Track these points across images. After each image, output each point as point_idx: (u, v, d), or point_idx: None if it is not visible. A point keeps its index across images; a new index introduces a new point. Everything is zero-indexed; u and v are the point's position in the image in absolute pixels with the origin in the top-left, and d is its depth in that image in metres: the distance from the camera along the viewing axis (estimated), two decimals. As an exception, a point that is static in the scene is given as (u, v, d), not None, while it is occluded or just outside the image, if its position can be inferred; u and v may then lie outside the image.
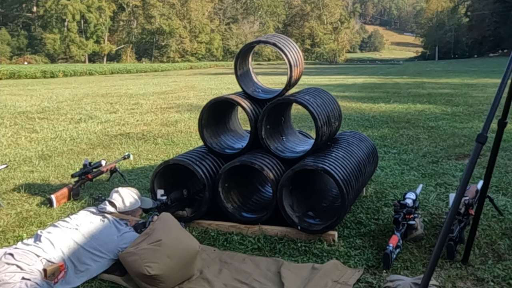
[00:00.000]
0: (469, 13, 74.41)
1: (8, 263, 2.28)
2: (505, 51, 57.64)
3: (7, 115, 9.86)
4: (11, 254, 2.32)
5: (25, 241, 2.51)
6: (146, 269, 2.36)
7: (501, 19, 62.37)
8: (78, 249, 2.52)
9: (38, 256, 2.37)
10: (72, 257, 2.49)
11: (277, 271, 2.62)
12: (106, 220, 2.74)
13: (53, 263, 2.39)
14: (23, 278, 2.23)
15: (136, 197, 2.96)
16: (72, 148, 6.28)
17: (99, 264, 2.57)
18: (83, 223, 2.66)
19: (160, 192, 3.17)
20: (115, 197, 2.89)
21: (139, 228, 2.87)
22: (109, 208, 2.82)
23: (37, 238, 2.51)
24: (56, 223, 2.67)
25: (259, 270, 2.66)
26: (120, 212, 2.84)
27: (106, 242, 2.62)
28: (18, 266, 2.27)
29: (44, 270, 2.31)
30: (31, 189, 4.35)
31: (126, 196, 2.90)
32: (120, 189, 2.95)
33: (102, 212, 2.78)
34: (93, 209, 2.84)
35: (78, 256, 2.51)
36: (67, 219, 2.71)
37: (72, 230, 2.59)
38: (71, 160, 5.54)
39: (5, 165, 4.31)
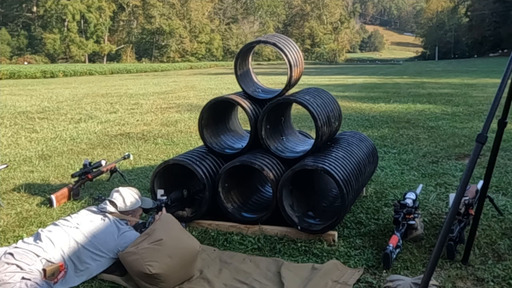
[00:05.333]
0: (469, 13, 74.39)
1: (8, 263, 2.28)
2: (505, 51, 57.61)
3: (7, 115, 9.86)
4: (11, 254, 2.32)
5: (25, 239, 2.51)
6: (147, 268, 2.36)
7: (501, 19, 62.34)
8: (78, 248, 2.52)
9: (38, 255, 2.37)
10: (72, 256, 2.48)
11: (277, 271, 2.62)
12: (106, 219, 2.74)
13: (53, 263, 2.39)
14: (23, 278, 2.23)
15: (136, 196, 2.97)
16: (72, 148, 6.28)
17: (99, 263, 2.57)
18: (84, 222, 2.66)
19: (160, 192, 3.16)
20: (116, 197, 2.89)
21: (139, 228, 2.87)
22: (110, 207, 2.82)
23: (38, 237, 2.51)
24: (56, 222, 2.67)
25: (259, 270, 2.66)
26: (120, 212, 2.85)
27: (106, 241, 2.62)
28: (18, 266, 2.27)
29: (44, 270, 2.31)
30: (31, 189, 4.35)
31: (127, 196, 2.90)
32: (120, 188, 2.96)
33: (102, 212, 2.78)
34: (93, 208, 2.84)
35: (78, 255, 2.51)
36: (68, 218, 2.71)
37: (73, 229, 2.59)
38: (71, 160, 5.54)
39: (5, 165, 4.30)
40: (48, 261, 2.38)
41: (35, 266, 2.31)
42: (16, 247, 2.41)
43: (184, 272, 2.51)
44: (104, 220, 2.73)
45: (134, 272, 2.43)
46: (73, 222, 2.64)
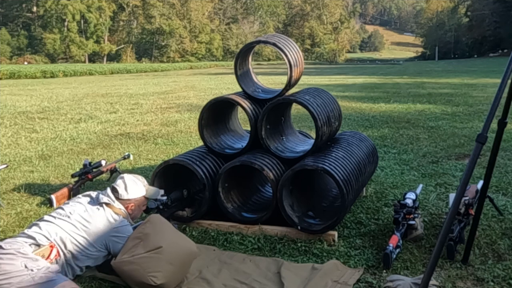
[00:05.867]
0: (469, 13, 74.40)
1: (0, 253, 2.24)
2: (505, 51, 57.60)
3: (7, 115, 9.86)
4: (0, 246, 2.29)
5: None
6: (151, 279, 2.31)
7: (501, 19, 62.34)
8: (66, 238, 2.45)
9: (25, 242, 2.34)
10: (61, 246, 2.42)
11: (277, 271, 2.62)
12: (101, 210, 2.64)
13: (42, 245, 2.35)
14: (25, 267, 2.18)
15: (140, 185, 2.85)
16: (72, 148, 6.28)
17: (88, 259, 2.52)
18: (77, 211, 2.58)
19: (160, 192, 3.16)
20: (119, 183, 2.79)
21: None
22: (107, 199, 2.70)
23: (28, 226, 2.50)
24: (51, 212, 2.61)
25: (259, 270, 2.65)
26: (121, 200, 2.74)
27: (97, 233, 2.53)
28: (10, 253, 2.23)
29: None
30: (31, 189, 4.35)
31: (129, 183, 2.79)
32: (125, 175, 2.85)
33: (100, 203, 2.68)
34: (94, 195, 2.75)
35: (68, 247, 2.44)
36: (64, 206, 2.63)
37: (64, 218, 2.52)
38: (71, 160, 5.54)
39: (5, 165, 4.30)
40: (36, 245, 2.34)
41: (24, 250, 2.27)
42: (4, 239, 2.39)
43: (182, 274, 2.51)
44: (98, 209, 2.63)
45: (134, 282, 2.38)
46: (66, 211, 2.57)
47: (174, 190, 3.27)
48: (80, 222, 2.54)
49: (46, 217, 2.54)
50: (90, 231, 2.53)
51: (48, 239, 2.39)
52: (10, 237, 3.14)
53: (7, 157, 5.76)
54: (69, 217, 2.54)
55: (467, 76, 21.11)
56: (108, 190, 2.78)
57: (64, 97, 14.04)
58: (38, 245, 2.35)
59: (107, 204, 2.69)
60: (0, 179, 4.66)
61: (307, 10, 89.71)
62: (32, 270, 2.18)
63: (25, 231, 2.45)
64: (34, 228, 2.44)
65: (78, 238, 2.48)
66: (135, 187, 2.82)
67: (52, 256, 2.35)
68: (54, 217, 2.53)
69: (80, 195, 2.77)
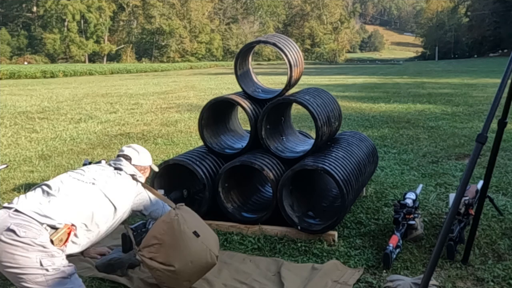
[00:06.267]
0: (469, 13, 74.43)
1: (13, 244, 1.97)
2: (505, 51, 57.58)
3: (7, 115, 9.86)
4: (13, 231, 1.98)
5: (28, 195, 2.23)
6: None
7: (501, 19, 62.35)
8: (92, 210, 2.24)
9: (41, 223, 2.06)
10: (83, 219, 2.20)
11: (277, 271, 2.62)
12: (123, 174, 2.51)
13: (58, 227, 2.09)
14: (41, 264, 2.00)
15: (148, 153, 2.80)
16: (72, 148, 6.28)
17: (108, 227, 2.35)
18: (100, 178, 2.38)
19: (160, 192, 3.16)
20: (129, 151, 2.69)
21: (139, 228, 2.82)
22: (127, 166, 2.57)
23: (44, 194, 2.24)
24: (69, 174, 2.39)
25: (259, 270, 2.66)
26: (134, 165, 2.65)
27: (123, 200, 2.39)
28: (24, 243, 1.99)
29: (51, 240, 2.05)
30: (31, 189, 4.34)
31: (140, 150, 2.74)
32: (132, 144, 2.80)
33: (119, 168, 2.56)
34: (103, 163, 2.63)
35: (91, 217, 2.23)
36: (79, 171, 2.43)
37: (88, 185, 2.31)
38: (71, 160, 5.54)
39: (5, 165, 4.30)
40: (52, 227, 2.08)
41: (41, 239, 2.02)
42: (16, 213, 2.07)
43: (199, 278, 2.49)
44: (120, 174, 2.49)
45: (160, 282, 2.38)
46: (88, 177, 2.36)
47: (174, 190, 3.27)
48: (107, 189, 2.35)
49: (70, 186, 2.28)
50: (118, 200, 2.36)
51: (68, 220, 2.14)
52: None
53: (7, 157, 5.76)
54: (94, 184, 2.34)
55: (467, 76, 21.11)
56: (124, 161, 2.64)
57: (64, 97, 14.04)
58: (56, 228, 2.09)
59: (122, 170, 2.57)
60: (0, 179, 4.66)
61: (307, 10, 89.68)
62: (47, 270, 2.00)
63: (42, 205, 2.14)
64: (53, 203, 2.16)
65: (106, 210, 2.29)
66: (145, 154, 2.77)
67: (69, 239, 2.14)
68: (77, 184, 2.30)
69: (84, 168, 2.55)
